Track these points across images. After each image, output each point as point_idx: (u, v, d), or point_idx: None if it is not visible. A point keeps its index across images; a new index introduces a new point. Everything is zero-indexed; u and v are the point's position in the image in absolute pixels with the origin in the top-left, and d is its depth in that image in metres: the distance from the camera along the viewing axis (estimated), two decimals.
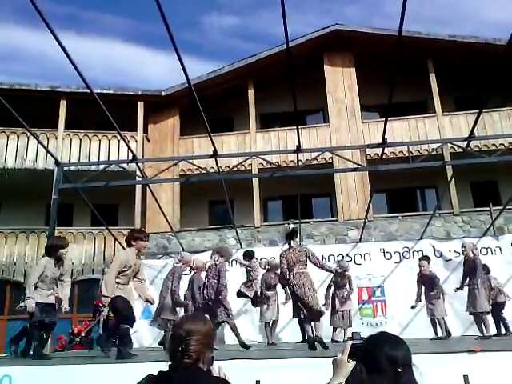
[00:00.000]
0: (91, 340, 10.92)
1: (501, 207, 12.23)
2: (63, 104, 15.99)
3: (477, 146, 12.85)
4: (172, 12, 45.22)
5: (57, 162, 9.29)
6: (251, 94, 16.63)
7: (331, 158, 13.49)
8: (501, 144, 13.70)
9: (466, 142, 9.01)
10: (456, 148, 11.84)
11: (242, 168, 12.34)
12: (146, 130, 16.60)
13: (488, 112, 14.54)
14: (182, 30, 50.70)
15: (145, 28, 54.79)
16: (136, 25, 53.28)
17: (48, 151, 10.13)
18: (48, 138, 15.57)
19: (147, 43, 57.79)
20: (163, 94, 16.51)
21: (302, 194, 11.39)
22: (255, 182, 15.32)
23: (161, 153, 16.24)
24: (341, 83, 16.65)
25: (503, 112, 15.43)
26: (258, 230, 15.13)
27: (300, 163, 9.94)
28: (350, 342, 1.75)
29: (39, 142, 9.43)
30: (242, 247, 12.16)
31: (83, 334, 10.74)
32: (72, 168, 12.06)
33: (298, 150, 9.02)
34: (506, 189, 14.31)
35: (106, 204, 15.03)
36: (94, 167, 12.91)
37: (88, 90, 7.23)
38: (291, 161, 14.24)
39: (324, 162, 13.79)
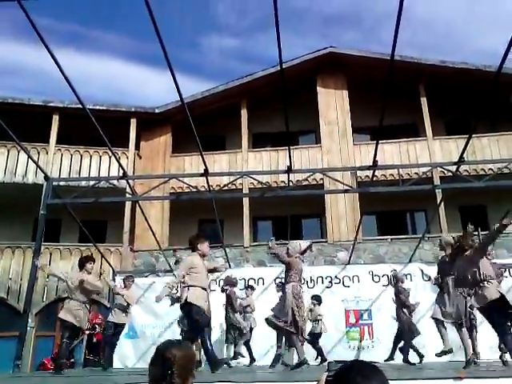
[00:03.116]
0: (74, 360, 10.75)
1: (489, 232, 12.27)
2: (55, 119, 15.94)
3: (466, 171, 12.96)
4: (174, 33, 45.83)
5: (46, 177, 9.21)
6: (244, 113, 16.71)
7: (322, 179, 13.52)
8: (490, 169, 13.81)
9: (455, 167, 9.08)
10: (446, 172, 11.90)
11: (233, 187, 12.33)
12: (137, 147, 16.57)
13: (477, 137, 14.70)
14: (183, 51, 51.22)
15: (145, 47, 55.25)
16: (136, 44, 53.73)
17: (38, 165, 10.05)
18: (39, 153, 15.48)
19: (147, 62, 58.33)
20: (156, 111, 16.54)
21: (292, 215, 11.36)
22: (245, 201, 15.30)
23: (152, 170, 16.19)
24: (333, 105, 16.80)
25: (492, 137, 15.60)
26: (247, 250, 15.05)
27: (291, 183, 9.95)
28: (326, 374, 1.57)
29: (29, 156, 9.37)
30: (230, 267, 12.07)
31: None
32: (62, 183, 11.96)
33: (289, 170, 9.03)
34: (495, 214, 14.36)
35: (95, 220, 14.89)
36: (84, 183, 12.82)
37: (81, 106, 7.22)
38: (282, 181, 14.25)
39: (315, 182, 13.82)
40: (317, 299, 9.25)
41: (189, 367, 1.94)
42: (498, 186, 10.07)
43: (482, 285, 6.00)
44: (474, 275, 6.05)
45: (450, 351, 6.44)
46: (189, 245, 6.62)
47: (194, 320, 5.99)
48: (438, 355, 6.54)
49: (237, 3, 53.65)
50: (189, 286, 6.02)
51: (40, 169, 9.95)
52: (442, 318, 6.47)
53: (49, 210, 8.74)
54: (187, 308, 6.02)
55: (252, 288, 9.99)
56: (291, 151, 9.06)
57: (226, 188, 10.44)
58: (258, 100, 16.73)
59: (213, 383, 4.26)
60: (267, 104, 16.25)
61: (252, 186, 14.37)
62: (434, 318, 6.64)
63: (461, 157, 8.53)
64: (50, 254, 14.59)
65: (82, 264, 7.49)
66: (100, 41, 50.07)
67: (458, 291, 6.44)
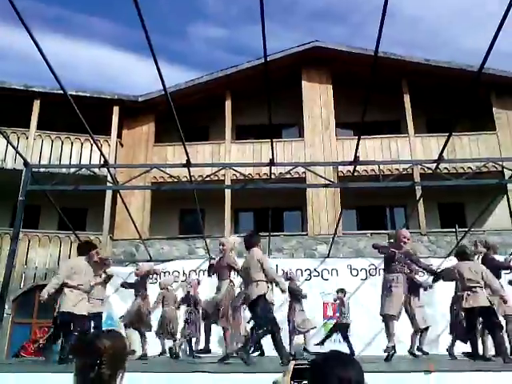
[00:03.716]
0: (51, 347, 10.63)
1: (466, 229, 12.52)
2: (37, 104, 15.67)
3: (446, 169, 13.17)
4: (160, 21, 45.33)
5: (25, 163, 9.09)
6: (228, 104, 16.66)
7: (304, 172, 13.58)
8: (469, 167, 14.03)
9: (435, 164, 9.22)
10: (426, 169, 12.07)
11: (215, 178, 12.33)
12: (120, 135, 16.40)
13: (458, 136, 14.91)
14: (169, 39, 50.74)
15: (134, 34, 54.66)
16: (125, 31, 53.06)
17: (17, 151, 9.90)
18: (18, 138, 15.23)
19: (135, 50, 57.77)
20: (139, 99, 16.38)
21: (273, 207, 11.42)
22: (227, 192, 15.30)
23: (134, 159, 16.06)
24: (317, 99, 16.85)
25: (472, 136, 15.83)
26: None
27: (273, 176, 9.98)
28: (293, 363, 1.62)
29: (8, 141, 9.23)
30: (210, 257, 12.08)
31: (41, 341, 10.44)
32: (41, 169, 11.82)
33: (272, 163, 9.06)
34: (472, 211, 14.65)
35: (75, 208, 14.76)
36: (64, 170, 12.67)
37: (63, 92, 7.14)
38: (264, 173, 14.28)
39: (297, 176, 13.86)
40: (343, 291, 9.35)
41: (119, 358, 1.85)
42: (476, 185, 10.23)
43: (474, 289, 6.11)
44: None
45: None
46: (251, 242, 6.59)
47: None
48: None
49: None
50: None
51: (19, 154, 9.81)
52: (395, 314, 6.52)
53: (28, 196, 8.63)
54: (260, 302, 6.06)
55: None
56: (274, 144, 9.10)
57: (208, 179, 10.42)
58: (243, 92, 16.69)
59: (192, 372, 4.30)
60: (252, 96, 16.21)
61: (234, 178, 14.38)
62: (386, 315, 6.60)
63: (441, 154, 8.66)
64: (29, 241, 14.43)
65: (86, 251, 7.02)
66: (88, 27, 49.37)
67: (402, 287, 6.58)
